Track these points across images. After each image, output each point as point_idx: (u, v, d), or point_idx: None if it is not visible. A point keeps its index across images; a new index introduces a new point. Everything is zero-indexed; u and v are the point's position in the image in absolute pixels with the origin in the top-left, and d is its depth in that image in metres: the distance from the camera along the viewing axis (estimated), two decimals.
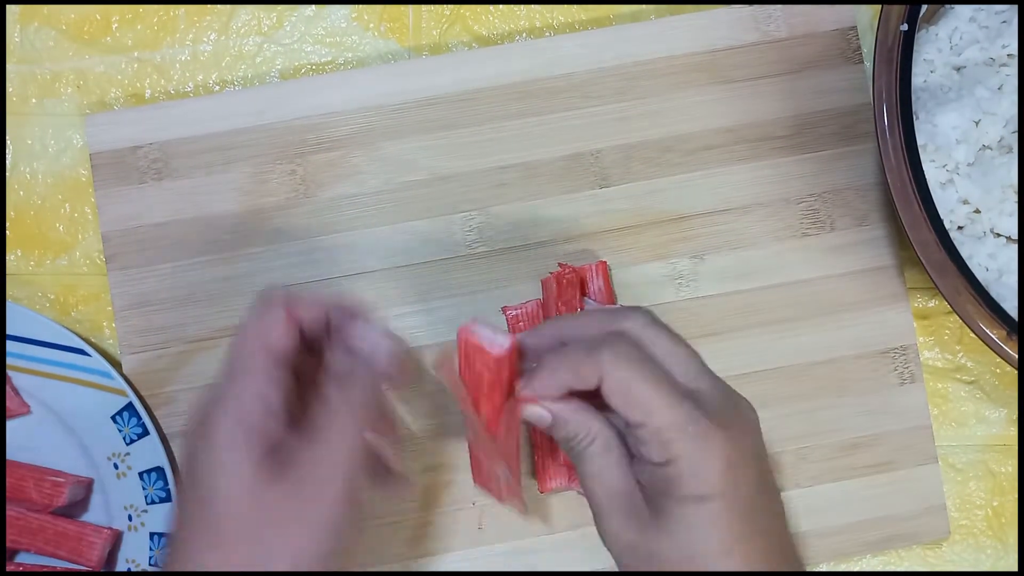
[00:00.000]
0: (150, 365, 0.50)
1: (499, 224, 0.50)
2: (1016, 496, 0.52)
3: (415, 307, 0.50)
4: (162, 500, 0.48)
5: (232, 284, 0.50)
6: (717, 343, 0.50)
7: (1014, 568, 0.51)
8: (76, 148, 0.52)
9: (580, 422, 0.36)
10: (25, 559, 0.49)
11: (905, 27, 0.42)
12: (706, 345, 0.50)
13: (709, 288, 0.51)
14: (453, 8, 0.53)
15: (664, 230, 0.51)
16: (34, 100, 0.52)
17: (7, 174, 0.52)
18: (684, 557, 0.33)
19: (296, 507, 0.33)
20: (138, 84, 0.53)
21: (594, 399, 0.35)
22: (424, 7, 0.53)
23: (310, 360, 0.38)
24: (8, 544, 0.47)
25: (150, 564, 0.48)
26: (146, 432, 0.48)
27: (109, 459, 0.49)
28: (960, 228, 0.47)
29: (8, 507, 0.47)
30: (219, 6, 0.53)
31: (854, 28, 0.51)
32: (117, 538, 0.49)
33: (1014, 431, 0.52)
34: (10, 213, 0.52)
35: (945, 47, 0.48)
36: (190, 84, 0.53)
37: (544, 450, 0.47)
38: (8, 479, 0.47)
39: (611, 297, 0.49)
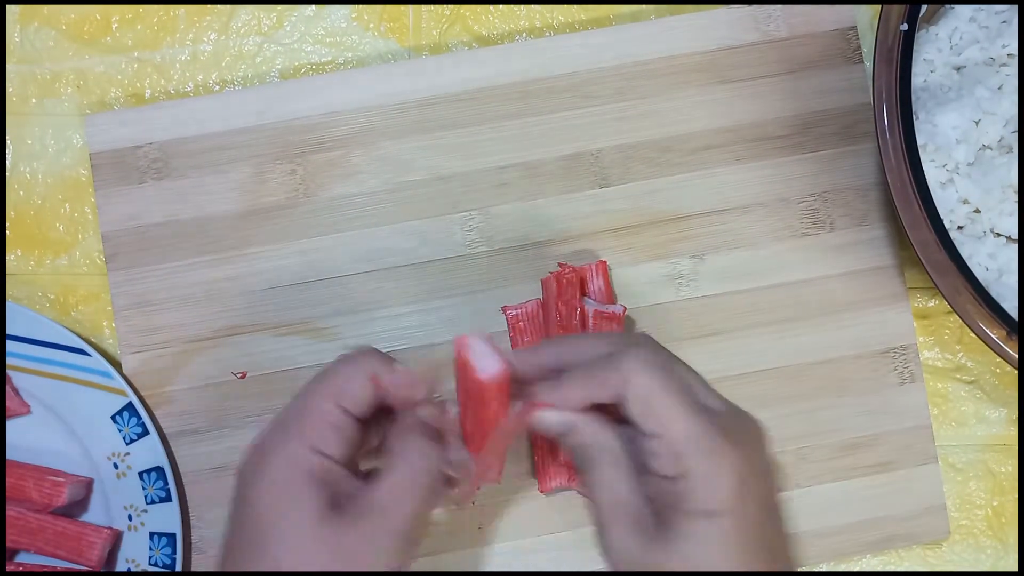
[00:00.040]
0: (150, 365, 0.50)
1: (499, 224, 0.50)
2: (1016, 496, 0.52)
3: (415, 307, 0.50)
4: (162, 500, 0.48)
5: (232, 284, 0.50)
6: (717, 343, 0.50)
7: (1014, 568, 0.51)
8: (76, 148, 0.52)
9: (596, 432, 0.36)
10: (25, 559, 0.49)
11: (905, 27, 0.42)
12: (706, 345, 0.50)
13: (709, 288, 0.51)
14: (453, 8, 0.53)
15: (664, 230, 0.51)
16: (34, 100, 0.52)
17: (7, 174, 0.52)
18: (689, 573, 0.33)
19: (356, 549, 0.33)
20: (138, 84, 0.53)
21: (605, 410, 0.35)
22: (424, 7, 0.53)
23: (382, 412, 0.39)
24: (8, 544, 0.47)
25: (150, 564, 0.48)
26: (146, 432, 0.48)
27: (109, 459, 0.49)
28: (960, 228, 0.47)
29: (8, 507, 0.47)
30: (219, 6, 0.53)
31: (854, 28, 0.51)
32: (117, 538, 0.49)
33: (1014, 431, 0.52)
34: (10, 213, 0.52)
35: (945, 47, 0.48)
36: (190, 84, 0.53)
37: (544, 450, 0.47)
38: (8, 479, 0.47)
39: (611, 297, 0.49)
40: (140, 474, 0.48)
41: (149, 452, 0.48)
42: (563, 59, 0.51)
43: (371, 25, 0.53)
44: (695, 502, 0.33)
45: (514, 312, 0.49)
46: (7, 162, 0.52)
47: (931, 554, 0.51)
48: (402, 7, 0.53)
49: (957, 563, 0.51)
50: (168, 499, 0.48)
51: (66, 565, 0.48)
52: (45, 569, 0.48)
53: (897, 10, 0.42)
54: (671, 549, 0.33)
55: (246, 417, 0.49)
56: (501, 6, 0.53)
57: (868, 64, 0.52)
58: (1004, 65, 0.47)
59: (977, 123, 0.46)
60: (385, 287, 0.50)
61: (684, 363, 0.37)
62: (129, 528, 0.49)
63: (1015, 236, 0.46)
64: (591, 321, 0.46)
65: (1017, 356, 0.42)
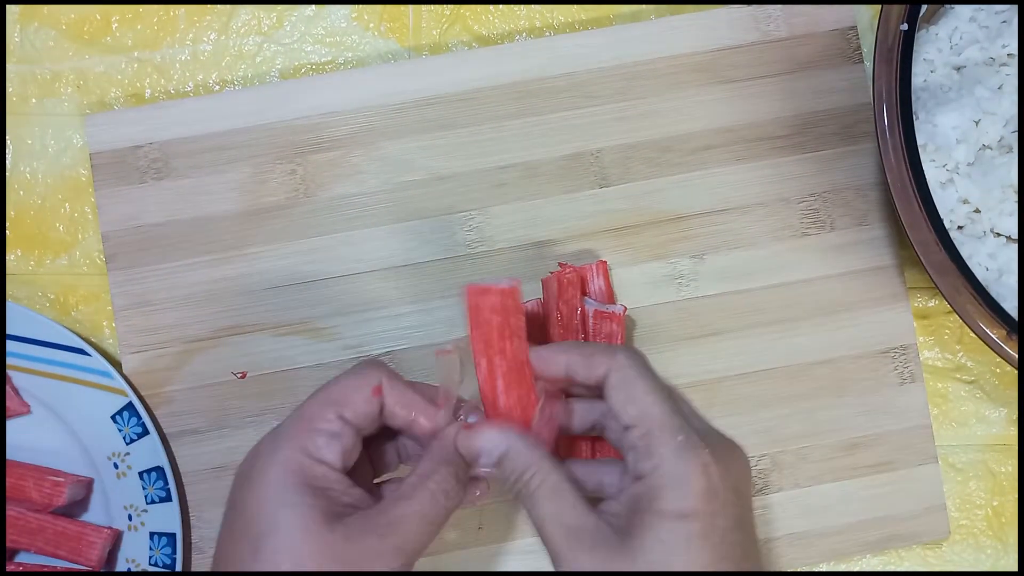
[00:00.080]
0: (150, 365, 0.50)
1: (499, 224, 0.50)
2: (1016, 496, 0.52)
3: (415, 307, 0.50)
4: (162, 500, 0.48)
5: (232, 284, 0.50)
6: (717, 343, 0.50)
7: (1014, 568, 0.51)
8: (76, 148, 0.52)
9: (534, 458, 0.36)
10: (25, 559, 0.49)
11: (905, 27, 0.42)
12: (706, 345, 0.50)
13: (709, 288, 0.51)
14: (453, 8, 0.53)
15: (664, 230, 0.51)
16: (34, 100, 0.52)
17: (7, 174, 0.52)
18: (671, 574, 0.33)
19: (359, 562, 0.33)
20: (138, 84, 0.53)
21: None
22: (424, 7, 0.53)
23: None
24: (8, 544, 0.47)
25: (150, 564, 0.48)
26: (146, 432, 0.48)
27: (109, 459, 0.49)
28: (960, 228, 0.47)
29: (8, 507, 0.47)
30: (219, 6, 0.53)
31: (854, 28, 0.51)
32: (117, 538, 0.49)
33: (1014, 431, 0.52)
34: (10, 213, 0.52)
35: (945, 47, 0.48)
36: (190, 84, 0.53)
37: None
38: (8, 479, 0.47)
39: (611, 297, 0.49)
40: (140, 474, 0.48)
41: (149, 452, 0.48)
42: (563, 59, 0.51)
43: (371, 25, 0.53)
44: (665, 501, 0.33)
45: None
46: (7, 162, 0.52)
47: (931, 554, 0.51)
48: (402, 7, 0.53)
49: (957, 563, 0.51)
50: (168, 499, 0.48)
51: (66, 565, 0.48)
52: (45, 569, 0.48)
53: (897, 10, 0.42)
54: (638, 555, 0.33)
55: (246, 417, 0.49)
56: (501, 6, 0.53)
57: (868, 64, 0.52)
58: (1004, 65, 0.47)
59: (977, 123, 0.46)
60: (385, 287, 0.50)
61: (678, 390, 0.39)
62: (129, 528, 0.49)
63: (1015, 236, 0.46)
64: (591, 321, 0.46)
65: (1017, 356, 0.42)
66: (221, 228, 0.50)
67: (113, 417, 0.48)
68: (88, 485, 0.49)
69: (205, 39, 0.53)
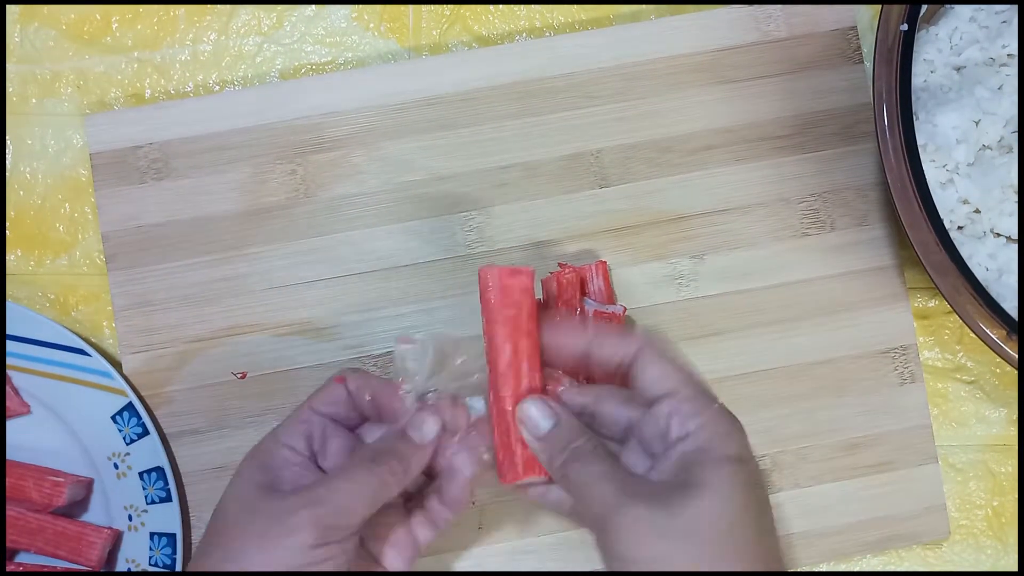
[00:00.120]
0: (150, 365, 0.50)
1: (499, 224, 0.50)
2: (1016, 496, 0.52)
3: (415, 307, 0.50)
4: (162, 500, 0.48)
5: (232, 284, 0.50)
6: (717, 343, 0.50)
7: (1014, 568, 0.51)
8: (76, 148, 0.52)
9: (581, 427, 0.37)
10: (25, 559, 0.49)
11: (905, 27, 0.42)
12: (706, 345, 0.50)
13: (709, 288, 0.51)
14: (453, 8, 0.53)
15: (664, 230, 0.51)
16: (34, 100, 0.52)
17: (7, 174, 0.52)
18: (720, 526, 0.33)
19: (279, 519, 0.35)
20: (138, 84, 0.53)
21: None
22: (424, 7, 0.53)
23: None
24: (8, 544, 0.47)
25: (150, 564, 0.48)
26: (146, 432, 0.48)
27: (109, 459, 0.49)
28: (960, 228, 0.47)
29: (8, 507, 0.47)
30: (219, 6, 0.53)
31: (854, 28, 0.52)
32: (117, 538, 0.49)
33: (1014, 431, 0.52)
34: (10, 213, 0.52)
35: (945, 47, 0.48)
36: (190, 84, 0.53)
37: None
38: (8, 479, 0.47)
39: (611, 297, 0.49)
40: (140, 474, 0.48)
41: (149, 452, 0.48)
42: (563, 59, 0.51)
43: (371, 25, 0.53)
44: (724, 447, 0.34)
45: None
46: (7, 162, 0.52)
47: (931, 554, 0.51)
48: (402, 7, 0.53)
49: (957, 563, 0.51)
50: (168, 499, 0.48)
51: (66, 565, 0.48)
52: (45, 569, 0.48)
53: (897, 10, 0.42)
54: (697, 501, 0.33)
55: (246, 417, 0.49)
56: (501, 6, 0.53)
57: (868, 64, 0.52)
58: (1004, 65, 0.47)
59: (977, 123, 0.46)
60: (385, 287, 0.50)
61: None
62: (129, 528, 0.49)
63: (1015, 236, 0.46)
64: (591, 321, 0.46)
65: (1017, 356, 0.42)
66: (221, 228, 0.50)
67: (113, 417, 0.48)
68: (88, 485, 0.49)
69: (205, 39, 0.53)
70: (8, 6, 0.52)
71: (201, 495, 0.49)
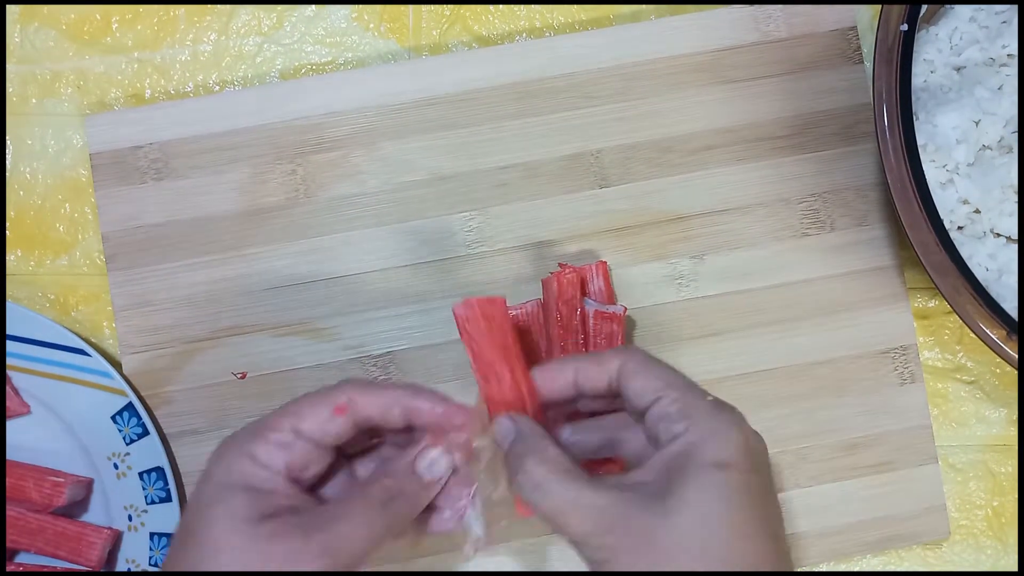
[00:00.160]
0: (150, 365, 0.50)
1: (499, 224, 0.50)
2: (1016, 496, 0.52)
3: (415, 307, 0.50)
4: (162, 500, 0.48)
5: (232, 284, 0.50)
6: (717, 343, 0.50)
7: (1014, 568, 0.51)
8: (76, 148, 0.52)
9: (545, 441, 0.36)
10: (25, 559, 0.49)
11: (905, 27, 0.42)
12: (707, 345, 0.50)
13: (709, 288, 0.51)
14: (453, 8, 0.53)
15: (664, 230, 0.51)
16: (34, 100, 0.52)
17: (7, 174, 0.52)
18: (698, 538, 0.31)
19: (283, 558, 0.33)
20: (138, 84, 0.53)
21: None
22: (424, 7, 0.53)
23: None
24: (8, 544, 0.47)
25: (150, 564, 0.48)
26: (146, 432, 0.48)
27: (109, 459, 0.49)
28: (960, 228, 0.47)
29: (8, 507, 0.47)
30: (219, 6, 0.53)
31: (854, 28, 0.52)
32: (117, 538, 0.49)
33: (1014, 431, 0.52)
34: (10, 213, 0.52)
35: (945, 47, 0.48)
36: (190, 84, 0.53)
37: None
38: (8, 479, 0.47)
39: (611, 297, 0.49)
40: (140, 474, 0.48)
41: (149, 452, 0.48)
42: (563, 59, 0.51)
43: (371, 25, 0.53)
44: (706, 452, 0.33)
45: (514, 312, 0.49)
46: (7, 162, 0.52)
47: (931, 554, 0.51)
48: (402, 7, 0.53)
49: (957, 563, 0.51)
50: (168, 499, 0.48)
51: (66, 565, 0.48)
52: (45, 569, 0.48)
53: (897, 10, 0.42)
54: (678, 512, 0.31)
55: (246, 417, 0.49)
56: (501, 6, 0.53)
57: (868, 64, 0.52)
58: (1004, 65, 0.47)
59: (977, 123, 0.46)
60: (385, 287, 0.50)
61: None
62: (129, 528, 0.49)
63: (1015, 236, 0.46)
64: (591, 322, 0.46)
65: (1017, 356, 0.42)
66: (221, 228, 0.50)
67: (113, 417, 0.48)
68: (88, 485, 0.49)
69: (205, 39, 0.53)
70: (8, 6, 0.52)
71: None
